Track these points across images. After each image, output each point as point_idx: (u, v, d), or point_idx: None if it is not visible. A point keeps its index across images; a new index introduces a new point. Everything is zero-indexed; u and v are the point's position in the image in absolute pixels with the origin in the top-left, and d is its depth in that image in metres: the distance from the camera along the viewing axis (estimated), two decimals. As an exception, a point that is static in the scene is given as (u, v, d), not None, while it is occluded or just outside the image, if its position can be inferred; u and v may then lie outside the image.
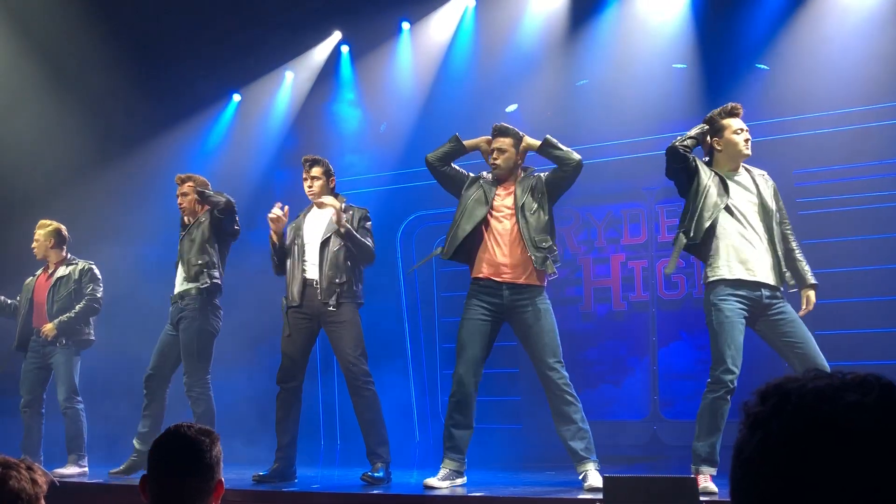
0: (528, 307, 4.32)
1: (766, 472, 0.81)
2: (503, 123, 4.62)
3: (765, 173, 4.15)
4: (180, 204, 5.35)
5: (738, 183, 4.04)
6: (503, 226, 4.41)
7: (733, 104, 4.10)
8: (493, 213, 4.45)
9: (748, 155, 4.04)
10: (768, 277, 3.91)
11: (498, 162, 4.50)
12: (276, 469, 4.75)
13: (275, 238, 4.93)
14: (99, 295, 5.79)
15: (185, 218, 5.40)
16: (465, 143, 4.65)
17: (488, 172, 4.62)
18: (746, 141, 4.02)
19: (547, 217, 4.41)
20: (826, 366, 3.67)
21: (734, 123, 4.04)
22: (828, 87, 6.02)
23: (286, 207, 4.96)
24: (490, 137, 4.60)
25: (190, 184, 5.33)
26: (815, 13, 6.23)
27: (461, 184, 4.59)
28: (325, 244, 4.82)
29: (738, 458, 0.85)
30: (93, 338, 5.81)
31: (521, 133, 4.57)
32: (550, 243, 4.39)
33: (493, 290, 4.35)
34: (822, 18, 6.20)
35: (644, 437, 6.67)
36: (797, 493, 0.78)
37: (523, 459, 6.08)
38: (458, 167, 4.67)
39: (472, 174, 4.65)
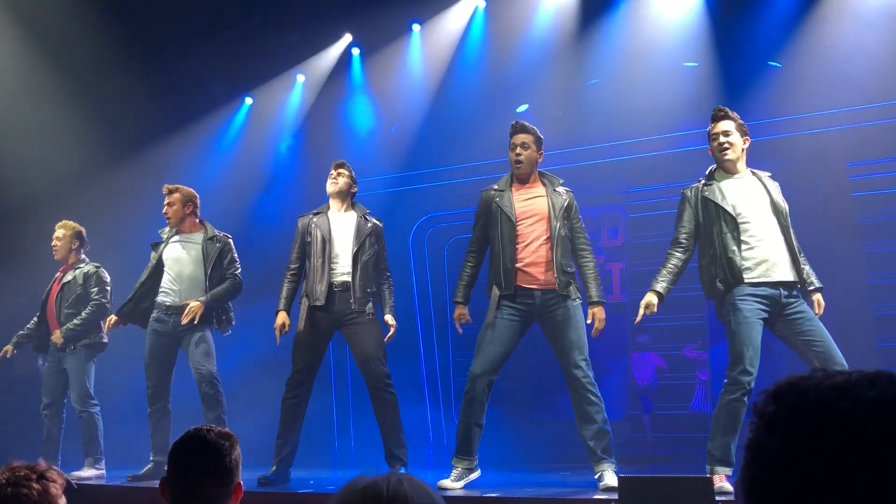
0: (559, 307, 4.32)
1: (790, 472, 0.81)
2: (523, 121, 4.57)
3: (769, 175, 4.15)
4: (165, 213, 5.37)
5: (742, 185, 4.02)
6: (530, 231, 4.39)
7: (715, 108, 4.12)
8: (518, 222, 4.42)
9: (728, 160, 4.01)
10: (786, 275, 3.90)
11: (521, 158, 4.46)
12: (276, 471, 4.74)
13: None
14: (105, 300, 5.76)
15: (172, 229, 5.37)
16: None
17: (493, 187, 4.55)
18: (719, 144, 4.02)
19: (569, 244, 4.44)
20: (845, 364, 3.66)
21: (713, 129, 4.07)
22: (849, 82, 6.00)
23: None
24: None
25: (177, 195, 5.35)
26: (829, 8, 6.19)
27: (484, 217, 4.53)
28: (357, 255, 4.82)
29: (755, 459, 0.85)
30: (105, 340, 5.78)
31: (539, 134, 4.57)
32: (573, 269, 4.41)
33: (525, 294, 4.35)
34: (835, 13, 6.16)
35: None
36: (823, 490, 0.79)
37: (538, 459, 6.07)
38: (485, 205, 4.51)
39: (481, 192, 4.57)
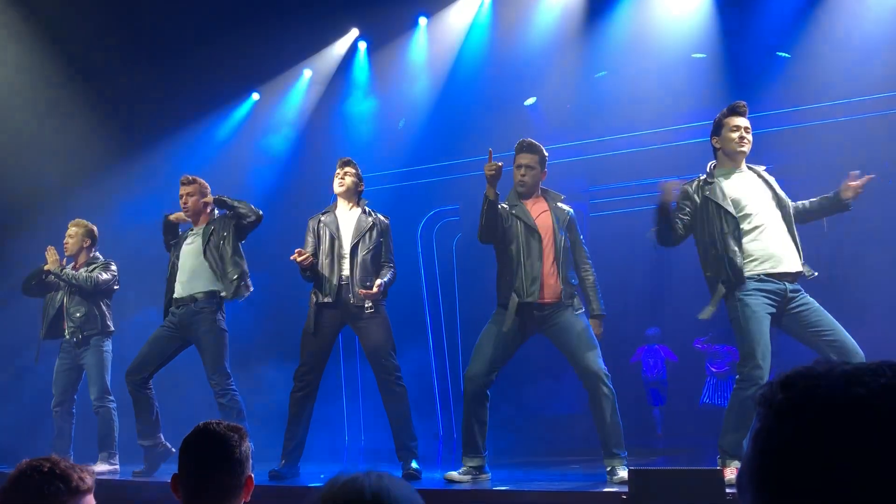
0: (560, 315, 4.33)
1: (803, 459, 0.81)
2: (530, 140, 4.55)
3: (764, 168, 4.13)
4: (184, 203, 5.32)
5: (744, 180, 4.02)
6: (537, 245, 4.41)
7: (737, 102, 4.09)
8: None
9: (744, 153, 4.02)
10: (790, 266, 3.88)
11: (526, 179, 4.49)
12: (285, 465, 4.77)
13: (307, 268, 4.83)
14: (102, 278, 5.70)
15: (192, 222, 5.33)
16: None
17: (503, 204, 4.49)
18: (741, 138, 4.00)
19: (571, 257, 4.47)
20: (860, 351, 3.64)
21: (732, 121, 4.03)
22: (862, 70, 5.96)
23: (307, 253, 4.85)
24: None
25: (196, 185, 5.30)
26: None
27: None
28: (354, 249, 4.83)
29: (765, 449, 0.84)
30: (112, 329, 5.80)
31: (545, 152, 4.55)
32: (575, 280, 4.45)
33: (524, 307, 4.34)
34: (844, 2, 6.12)
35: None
36: (838, 476, 0.78)
37: (548, 453, 6.07)
38: (501, 209, 4.44)
39: (502, 204, 4.49)
